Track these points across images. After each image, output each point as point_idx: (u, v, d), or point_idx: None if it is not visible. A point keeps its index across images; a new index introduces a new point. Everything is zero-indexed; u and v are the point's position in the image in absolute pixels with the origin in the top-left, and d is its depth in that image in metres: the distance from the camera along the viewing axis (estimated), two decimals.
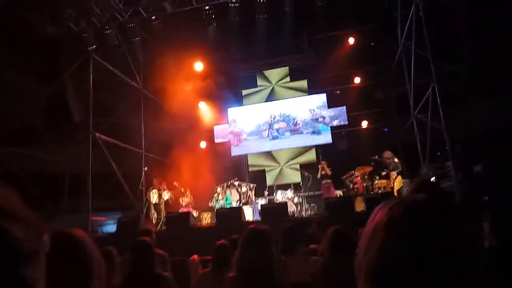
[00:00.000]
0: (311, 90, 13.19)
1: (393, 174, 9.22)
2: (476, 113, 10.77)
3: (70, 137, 10.81)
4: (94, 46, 10.46)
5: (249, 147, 12.98)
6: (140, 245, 3.07)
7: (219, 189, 10.32)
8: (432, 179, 8.57)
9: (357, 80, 12.74)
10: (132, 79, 11.91)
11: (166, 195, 10.09)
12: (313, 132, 12.47)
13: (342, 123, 12.26)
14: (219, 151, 12.70)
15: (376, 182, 9.51)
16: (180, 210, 9.47)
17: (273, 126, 12.80)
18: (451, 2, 9.89)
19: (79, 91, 10.76)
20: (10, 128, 10.48)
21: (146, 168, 10.74)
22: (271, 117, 12.87)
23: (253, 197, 10.58)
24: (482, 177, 7.94)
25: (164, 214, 9.58)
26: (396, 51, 11.63)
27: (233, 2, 10.85)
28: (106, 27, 10.67)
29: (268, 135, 12.80)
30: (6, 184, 0.60)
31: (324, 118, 12.40)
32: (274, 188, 11.17)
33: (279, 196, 10.25)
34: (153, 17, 10.80)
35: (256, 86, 13.88)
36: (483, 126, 10.62)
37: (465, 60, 10.86)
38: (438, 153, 9.19)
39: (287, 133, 12.69)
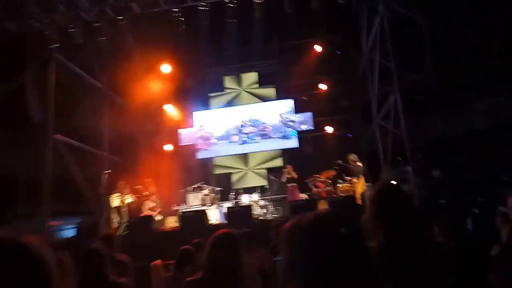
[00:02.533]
0: (279, 95, 13.32)
1: (356, 178, 9.41)
2: (436, 121, 11.20)
3: (28, 139, 10.33)
4: (57, 45, 10.13)
5: (218, 151, 12.90)
6: (90, 253, 2.97)
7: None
8: (394, 182, 8.76)
9: (323, 87, 12.98)
10: (96, 79, 11.58)
11: (129, 199, 9.83)
12: (283, 137, 12.54)
13: (309, 128, 12.45)
14: (183, 154, 12.54)
15: (339, 186, 9.70)
16: (143, 214, 9.25)
17: (242, 130, 12.78)
18: (415, 15, 10.27)
19: (40, 91, 10.35)
20: None
21: (108, 170, 10.42)
22: (241, 121, 12.84)
23: (218, 200, 10.51)
24: (440, 181, 8.27)
25: (127, 219, 9.33)
26: (361, 60, 11.96)
27: (203, 6, 10.83)
28: (71, 25, 10.38)
29: (238, 139, 12.77)
30: None
31: (293, 122, 12.52)
32: (241, 191, 11.18)
33: (245, 199, 10.25)
34: (121, 17, 10.63)
35: (223, 90, 13.84)
36: (442, 134, 11.04)
37: (427, 71, 11.30)
38: (399, 159, 9.49)
39: (257, 138, 12.69)
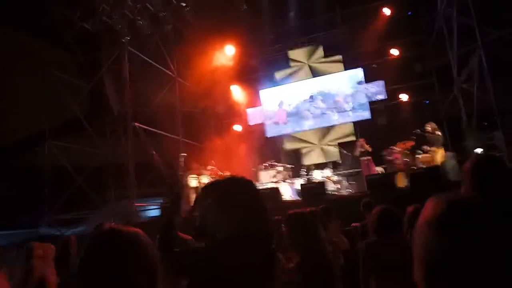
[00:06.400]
0: (347, 65, 12.74)
1: (434, 148, 8.76)
2: None
3: (112, 129, 11.16)
4: (128, 38, 10.70)
5: (288, 128, 12.85)
6: None
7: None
8: (479, 150, 8.10)
9: (394, 52, 12.19)
10: (166, 67, 12.08)
11: (204, 179, 10.24)
12: (354, 109, 12.09)
13: (381, 97, 11.84)
14: (252, 133, 12.70)
15: (418, 157, 9.07)
16: None
17: (313, 105, 12.54)
18: None
19: (117, 83, 11.07)
20: (57, 124, 11.00)
21: (184, 154, 10.95)
22: (310, 96, 12.61)
23: (290, 177, 10.52)
24: None
25: None
26: (435, 19, 11.01)
27: None
28: (138, 17, 10.86)
29: (309, 115, 12.58)
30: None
31: (365, 93, 12.00)
32: (312, 167, 11.06)
33: (318, 175, 10.13)
34: (184, 4, 10.89)
35: (289, 66, 13.63)
36: None
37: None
38: (485, 124, 8.65)
39: (328, 112, 12.38)
